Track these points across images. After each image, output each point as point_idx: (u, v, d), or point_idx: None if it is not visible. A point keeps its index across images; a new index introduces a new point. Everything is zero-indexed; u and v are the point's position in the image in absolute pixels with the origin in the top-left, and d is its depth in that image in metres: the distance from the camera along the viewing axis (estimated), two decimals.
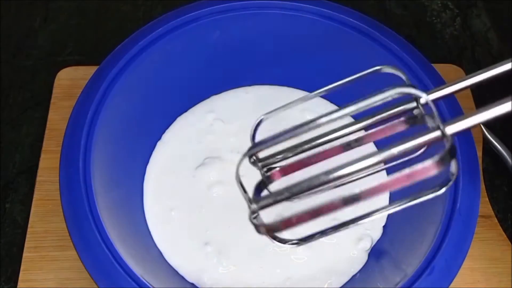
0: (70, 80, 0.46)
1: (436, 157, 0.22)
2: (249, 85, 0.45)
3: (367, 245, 0.38)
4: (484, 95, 0.49)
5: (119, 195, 0.37)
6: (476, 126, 0.23)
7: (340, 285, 0.37)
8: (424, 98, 0.24)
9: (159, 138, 0.43)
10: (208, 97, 0.45)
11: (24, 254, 0.39)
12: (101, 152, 0.35)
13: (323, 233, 0.27)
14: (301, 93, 0.45)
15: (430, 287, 0.31)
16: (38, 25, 0.53)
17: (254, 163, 0.29)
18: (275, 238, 0.27)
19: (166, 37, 0.39)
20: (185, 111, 0.44)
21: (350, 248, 0.38)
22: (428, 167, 0.22)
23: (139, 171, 0.41)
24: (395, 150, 0.22)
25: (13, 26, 0.52)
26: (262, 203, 0.25)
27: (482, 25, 0.55)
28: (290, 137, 0.26)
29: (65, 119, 0.35)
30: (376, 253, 0.38)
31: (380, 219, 0.39)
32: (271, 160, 0.30)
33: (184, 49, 0.40)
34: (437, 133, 0.23)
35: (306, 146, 0.29)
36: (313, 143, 0.29)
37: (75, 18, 0.53)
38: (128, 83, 0.38)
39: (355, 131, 0.29)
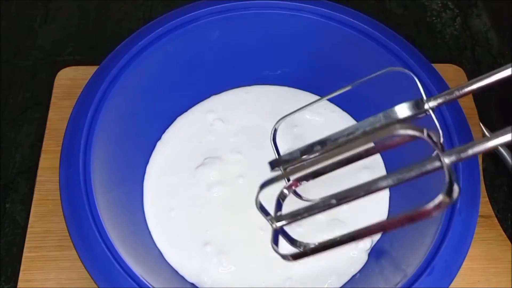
0: (70, 80, 0.46)
1: (438, 198, 0.22)
2: (249, 85, 0.45)
3: (367, 245, 0.38)
4: (484, 95, 0.49)
5: (119, 195, 0.37)
6: (476, 156, 0.24)
7: (340, 285, 0.37)
8: (424, 135, 0.24)
9: (159, 138, 0.43)
10: (208, 97, 0.45)
11: (24, 254, 0.38)
12: (101, 152, 0.35)
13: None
14: (301, 93, 0.45)
15: (430, 287, 0.31)
16: (38, 25, 0.53)
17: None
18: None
19: (166, 37, 0.39)
20: (185, 111, 0.44)
21: (350, 248, 0.38)
22: (431, 209, 0.22)
23: (139, 171, 0.41)
24: (396, 179, 0.24)
25: (13, 26, 0.52)
26: (283, 222, 0.27)
27: (482, 25, 0.55)
28: (314, 162, 0.27)
29: (65, 119, 0.35)
30: (376, 253, 0.38)
31: (380, 219, 0.39)
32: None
33: (184, 49, 0.40)
34: (436, 164, 0.23)
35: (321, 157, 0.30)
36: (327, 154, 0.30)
37: (75, 18, 0.53)
38: (128, 83, 0.37)
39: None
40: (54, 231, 0.39)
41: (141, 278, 0.30)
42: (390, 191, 0.41)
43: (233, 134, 0.43)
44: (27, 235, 0.39)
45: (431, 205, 0.22)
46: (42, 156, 0.43)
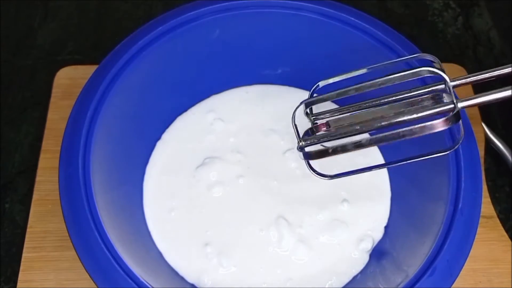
0: (70, 80, 0.46)
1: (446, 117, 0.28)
2: (250, 84, 0.45)
3: (368, 246, 0.38)
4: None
5: (118, 195, 0.36)
6: (481, 104, 0.30)
7: (341, 286, 0.37)
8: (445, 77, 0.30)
9: (159, 138, 0.42)
10: (208, 96, 0.45)
11: (24, 255, 0.38)
12: (100, 152, 0.35)
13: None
14: (302, 92, 0.45)
15: None
16: (37, 25, 0.52)
17: (307, 115, 0.36)
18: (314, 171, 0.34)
19: (166, 36, 0.39)
20: (185, 110, 0.44)
21: (351, 249, 0.38)
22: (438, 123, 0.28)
23: (139, 171, 0.40)
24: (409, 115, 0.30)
25: (12, 25, 0.52)
26: (308, 141, 0.33)
27: (484, 24, 0.55)
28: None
29: (65, 119, 0.35)
30: (377, 254, 0.38)
31: (381, 220, 0.39)
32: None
33: (184, 48, 0.40)
34: (450, 106, 0.30)
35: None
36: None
37: (74, 17, 0.53)
38: (127, 82, 0.37)
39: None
40: (54, 231, 0.39)
41: (141, 278, 0.30)
42: (391, 192, 0.40)
43: (233, 134, 0.43)
44: (27, 235, 0.39)
45: (439, 120, 0.28)
46: (42, 156, 0.43)
